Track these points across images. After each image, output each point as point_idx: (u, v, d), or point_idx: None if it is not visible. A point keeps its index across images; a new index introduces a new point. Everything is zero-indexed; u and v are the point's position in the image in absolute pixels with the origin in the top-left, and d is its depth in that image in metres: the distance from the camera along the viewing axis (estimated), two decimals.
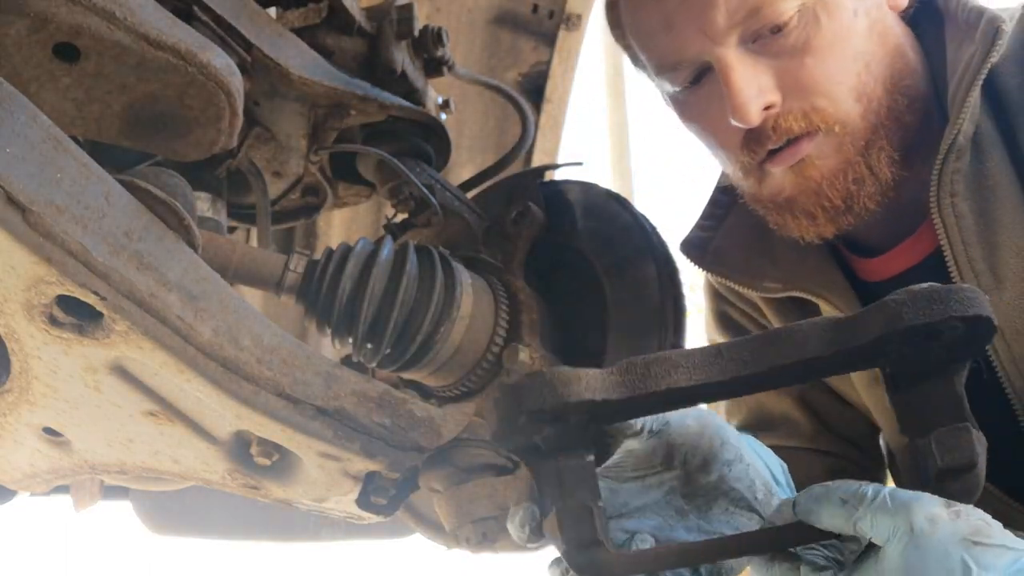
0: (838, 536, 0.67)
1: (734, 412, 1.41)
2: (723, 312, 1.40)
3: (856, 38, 1.01)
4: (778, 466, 0.86)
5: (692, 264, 1.28)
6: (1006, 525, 0.62)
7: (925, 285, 0.65)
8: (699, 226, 1.30)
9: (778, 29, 1.00)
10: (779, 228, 1.13)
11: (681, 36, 1.04)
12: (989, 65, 1.03)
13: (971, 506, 0.63)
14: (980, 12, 1.07)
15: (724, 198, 1.28)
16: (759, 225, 1.18)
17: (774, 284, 1.21)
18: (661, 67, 1.10)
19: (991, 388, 1.08)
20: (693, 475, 0.80)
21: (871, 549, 0.65)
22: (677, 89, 1.12)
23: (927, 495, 0.63)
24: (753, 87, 1.01)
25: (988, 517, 0.62)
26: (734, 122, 1.02)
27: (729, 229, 1.26)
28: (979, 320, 0.62)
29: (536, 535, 0.73)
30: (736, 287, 1.28)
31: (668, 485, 0.82)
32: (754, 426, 1.35)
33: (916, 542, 0.60)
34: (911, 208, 1.10)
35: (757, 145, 1.05)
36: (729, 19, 1.00)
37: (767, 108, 1.02)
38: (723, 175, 1.28)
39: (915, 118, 1.06)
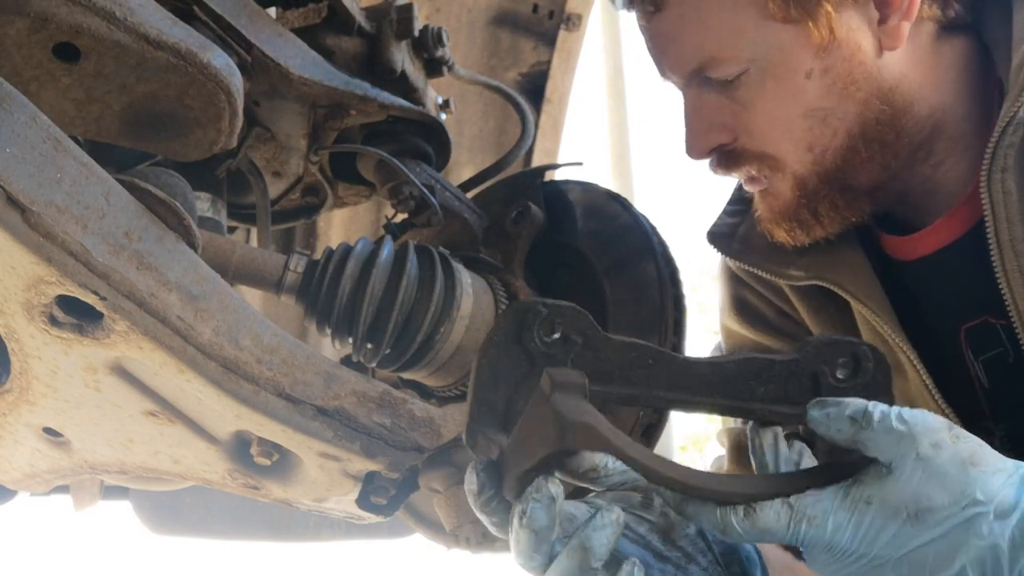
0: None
1: (722, 439, 1.37)
2: (741, 297, 1.37)
3: (808, 98, 1.03)
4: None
5: (719, 253, 1.29)
6: None
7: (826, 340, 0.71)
8: (726, 213, 1.30)
9: (723, 83, 1.03)
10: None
11: (655, 57, 1.10)
12: None
13: (966, 431, 0.68)
14: None
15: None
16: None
17: (798, 272, 1.21)
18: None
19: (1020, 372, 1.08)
20: (675, 526, 0.81)
21: (874, 464, 0.68)
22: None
23: (930, 418, 0.67)
24: (703, 127, 1.06)
25: (981, 441, 0.68)
26: (687, 154, 1.08)
27: (754, 221, 1.25)
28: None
29: (489, 479, 0.70)
30: (763, 275, 1.27)
31: (647, 524, 0.81)
32: (735, 460, 1.34)
33: (922, 465, 0.65)
34: (949, 187, 1.10)
35: (726, 169, 1.10)
36: (680, 68, 1.05)
37: (718, 147, 1.07)
38: None
39: (910, 140, 1.07)
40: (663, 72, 1.09)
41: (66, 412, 0.84)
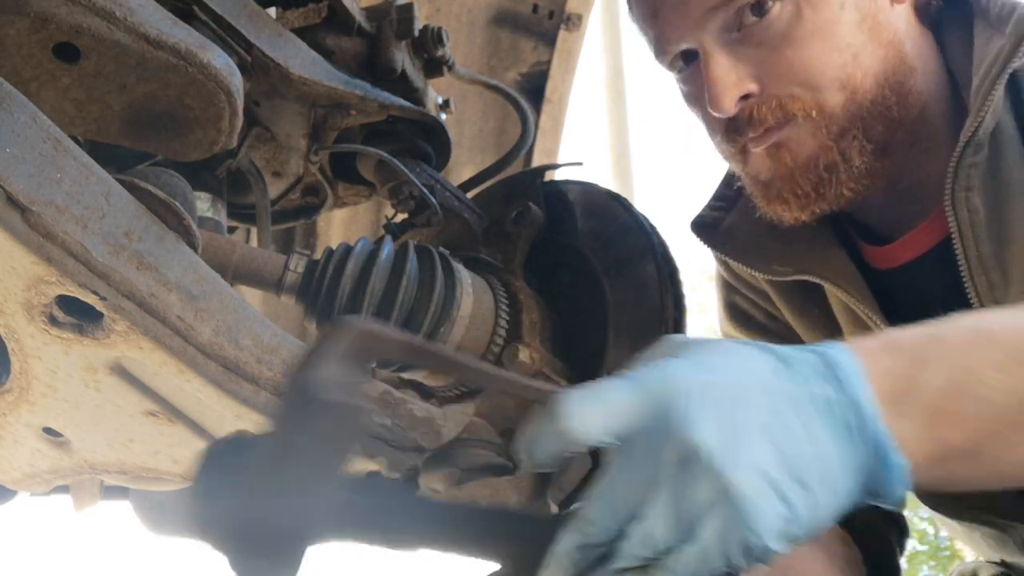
0: None
1: None
2: (732, 302, 1.38)
3: (843, 29, 1.01)
4: None
5: (702, 244, 1.28)
6: None
7: None
8: (710, 206, 1.29)
9: (759, 13, 1.00)
10: (762, 211, 1.14)
11: (667, 22, 1.05)
12: (1017, 61, 1.02)
13: None
14: (1013, 8, 1.06)
15: (736, 179, 1.26)
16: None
17: (784, 267, 1.21)
18: (656, 53, 1.11)
19: None
20: None
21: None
22: (674, 74, 1.13)
23: None
24: (731, 76, 1.02)
25: None
26: (711, 111, 1.04)
27: (742, 210, 1.24)
28: None
29: None
30: (745, 269, 1.27)
31: None
32: None
33: None
34: (922, 198, 1.11)
35: (737, 134, 1.06)
36: (709, 3, 1.01)
37: (745, 97, 1.03)
38: None
39: (907, 113, 1.07)
40: (677, 25, 1.04)
41: (66, 412, 0.84)
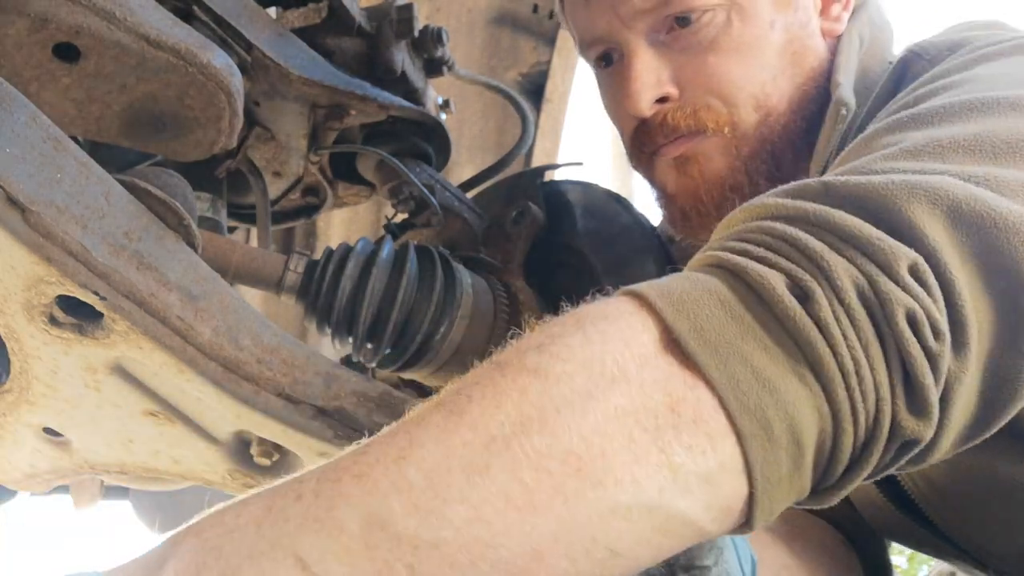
0: None
1: None
2: None
3: (768, 49, 1.00)
4: (749, 560, 0.83)
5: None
6: None
7: None
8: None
9: (686, 21, 0.98)
10: (663, 223, 1.11)
11: (596, 14, 1.03)
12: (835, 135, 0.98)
13: None
14: (936, 54, 0.99)
15: None
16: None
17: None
18: (580, 43, 1.08)
19: None
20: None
21: None
22: (594, 68, 1.11)
23: None
24: (651, 77, 1.00)
25: None
26: (626, 108, 1.01)
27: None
28: None
29: None
30: None
31: None
32: None
33: None
34: None
35: (647, 138, 1.04)
36: (642, 2, 0.99)
37: (661, 100, 1.01)
38: None
39: (808, 141, 1.03)
40: (606, 20, 1.02)
41: (66, 412, 0.84)
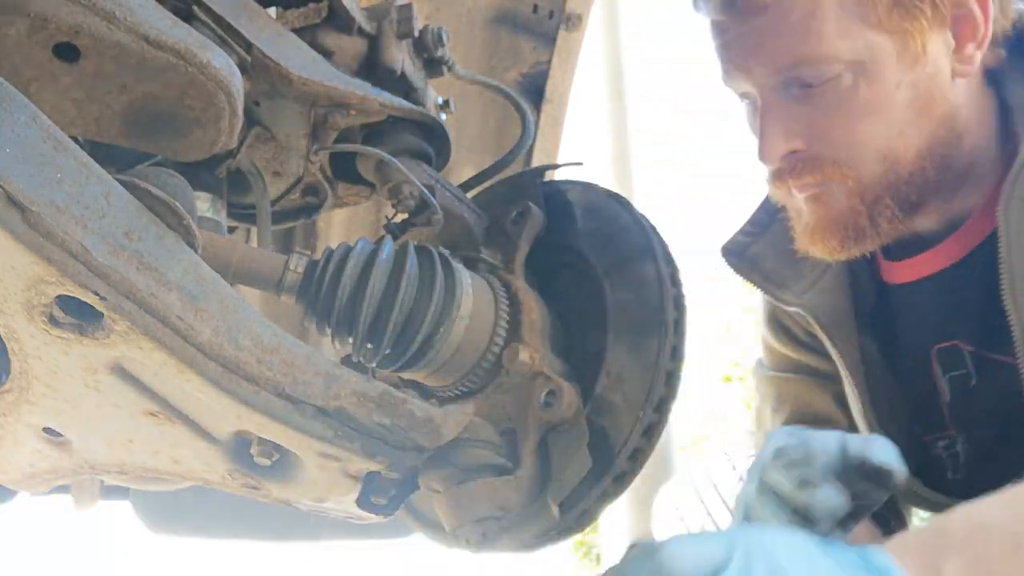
0: None
1: (779, 410, 1.42)
2: (774, 315, 1.44)
3: (894, 107, 1.07)
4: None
5: (728, 268, 1.36)
6: None
7: None
8: (741, 231, 1.37)
9: (814, 85, 1.06)
10: (797, 243, 1.20)
11: (732, 64, 1.13)
12: None
13: None
14: None
15: (771, 206, 1.34)
16: (786, 234, 1.27)
17: (790, 297, 1.28)
18: (722, 78, 1.18)
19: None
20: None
21: None
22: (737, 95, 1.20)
23: None
24: (781, 132, 1.09)
25: None
26: (759, 158, 1.11)
27: (770, 237, 1.33)
28: None
29: None
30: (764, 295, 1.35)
31: None
32: (801, 423, 1.39)
33: None
34: (945, 223, 1.19)
35: (783, 176, 1.15)
36: (771, 67, 1.08)
37: (791, 152, 1.11)
38: None
39: (945, 176, 1.13)
40: (740, 74, 1.11)
41: (66, 412, 0.84)
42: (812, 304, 1.26)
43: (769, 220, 1.33)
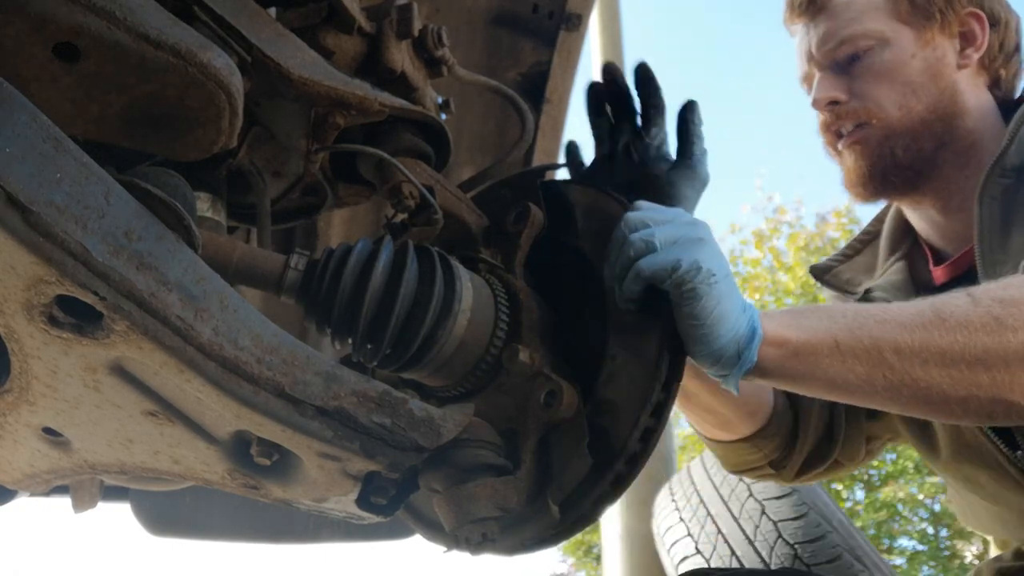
0: None
1: (804, 442, 1.67)
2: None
3: (909, 71, 1.50)
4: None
5: (815, 280, 1.79)
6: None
7: None
8: (832, 256, 1.78)
9: (856, 58, 1.51)
10: (845, 188, 1.60)
11: (800, 57, 1.62)
12: None
13: None
14: None
15: (865, 237, 1.76)
16: (876, 256, 1.69)
17: (860, 289, 1.65)
18: (798, 74, 1.64)
19: None
20: None
21: None
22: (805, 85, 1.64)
23: None
24: (827, 87, 1.54)
25: None
26: (812, 105, 1.57)
27: (852, 264, 1.74)
28: None
29: None
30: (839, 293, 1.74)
31: None
32: None
33: None
34: (970, 221, 1.45)
35: (832, 126, 1.57)
36: (822, 47, 1.54)
37: (833, 103, 1.53)
38: (873, 220, 1.78)
39: (954, 138, 1.50)
40: (807, 62, 1.57)
41: (66, 412, 0.84)
42: (880, 286, 1.60)
43: (858, 249, 1.74)
